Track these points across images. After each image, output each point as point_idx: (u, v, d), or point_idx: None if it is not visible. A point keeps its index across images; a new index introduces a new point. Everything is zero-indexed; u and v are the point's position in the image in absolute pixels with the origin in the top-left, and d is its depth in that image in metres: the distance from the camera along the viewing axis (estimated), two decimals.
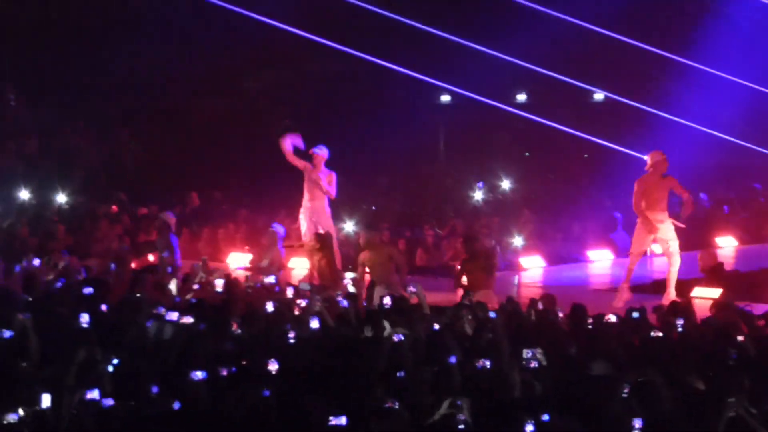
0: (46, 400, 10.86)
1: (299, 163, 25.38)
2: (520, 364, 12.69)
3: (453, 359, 12.86)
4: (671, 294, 21.91)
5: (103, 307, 16.96)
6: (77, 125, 38.75)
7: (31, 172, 32.42)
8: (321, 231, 24.84)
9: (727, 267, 22.89)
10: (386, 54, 36.72)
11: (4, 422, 10.40)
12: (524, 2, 36.89)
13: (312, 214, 25.35)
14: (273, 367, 12.53)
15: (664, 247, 23.17)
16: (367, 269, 22.62)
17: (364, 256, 22.75)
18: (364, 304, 19.63)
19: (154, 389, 12.13)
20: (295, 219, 25.77)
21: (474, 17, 40.42)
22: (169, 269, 23.19)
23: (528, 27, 38.53)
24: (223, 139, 40.10)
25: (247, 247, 28.35)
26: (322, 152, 25.30)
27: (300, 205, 26.11)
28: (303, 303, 17.83)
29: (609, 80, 41.42)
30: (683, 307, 17.42)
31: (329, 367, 12.94)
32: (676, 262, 22.68)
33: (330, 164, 25.50)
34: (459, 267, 23.30)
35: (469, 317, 16.23)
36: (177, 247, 25.60)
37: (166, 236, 25.68)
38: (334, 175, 25.30)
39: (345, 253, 25.87)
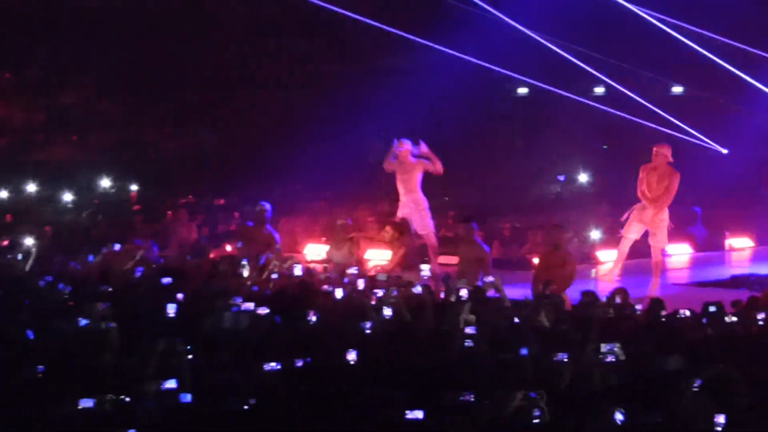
0: (125, 391, 10.59)
1: (392, 166, 25.07)
2: (598, 358, 12.68)
3: (525, 351, 12.74)
4: (656, 285, 22.66)
5: (180, 297, 16.75)
6: (154, 117, 39.05)
7: (110, 164, 32.91)
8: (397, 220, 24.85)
9: None
10: (460, 45, 36.56)
11: (80, 408, 10.25)
12: None
13: (414, 206, 24.92)
14: (351, 356, 12.50)
15: (654, 240, 23.74)
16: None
17: (457, 249, 23.07)
18: (443, 296, 18.87)
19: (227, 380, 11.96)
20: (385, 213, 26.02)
21: (549, 9, 38.45)
22: (245, 260, 22.87)
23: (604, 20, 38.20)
24: (300, 132, 39.97)
25: (324, 239, 27.93)
26: (407, 146, 24.94)
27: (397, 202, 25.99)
28: (380, 293, 17.79)
29: (686, 73, 41.10)
30: (764, 301, 17.32)
31: (405, 360, 12.84)
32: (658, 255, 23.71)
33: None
34: (539, 259, 23.22)
35: (546, 310, 16.30)
36: (277, 236, 25.46)
37: (265, 226, 25.49)
38: (424, 145, 24.88)
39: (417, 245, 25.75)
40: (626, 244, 24.13)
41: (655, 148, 24.37)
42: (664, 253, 25.02)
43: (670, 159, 24.08)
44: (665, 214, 24.18)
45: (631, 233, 24.01)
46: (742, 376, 11.21)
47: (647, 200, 23.93)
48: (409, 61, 41.22)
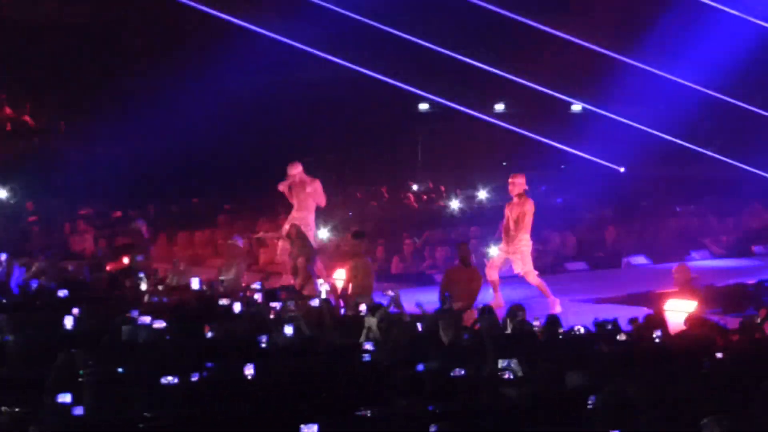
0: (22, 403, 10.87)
1: (285, 187, 25.42)
2: (497, 374, 12.80)
3: (421, 367, 12.80)
4: (553, 302, 22.52)
5: (76, 311, 16.53)
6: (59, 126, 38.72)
7: (12, 173, 32.62)
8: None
9: (702, 281, 23.30)
10: (365, 62, 36.63)
11: None
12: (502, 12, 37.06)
13: (302, 224, 25.02)
14: (249, 371, 12.40)
15: (518, 267, 23.85)
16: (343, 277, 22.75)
17: (349, 263, 22.80)
18: (342, 311, 19.27)
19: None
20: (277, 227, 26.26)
21: (453, 27, 40.05)
22: (141, 273, 22.56)
23: (505, 37, 38.88)
24: (204, 147, 39.01)
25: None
26: (298, 169, 25.37)
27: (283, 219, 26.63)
28: (277, 306, 18.04)
29: (587, 90, 41.34)
30: (658, 319, 17.45)
31: (304, 374, 12.79)
32: (532, 279, 23.77)
33: (309, 171, 25.66)
34: (445, 275, 23.25)
35: (445, 325, 16.41)
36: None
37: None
38: (318, 183, 25.31)
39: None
40: (493, 273, 23.90)
41: (510, 179, 24.65)
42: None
43: (525, 187, 24.33)
44: (524, 242, 24.23)
45: (497, 261, 24.23)
46: (642, 393, 11.26)
47: (507, 237, 24.14)
48: (314, 74, 40.52)
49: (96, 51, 41.22)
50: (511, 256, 24.15)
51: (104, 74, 41.24)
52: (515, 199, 24.43)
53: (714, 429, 10.21)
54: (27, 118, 40.09)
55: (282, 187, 25.73)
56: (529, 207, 24.28)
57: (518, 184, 24.40)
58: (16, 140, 38.62)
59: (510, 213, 24.46)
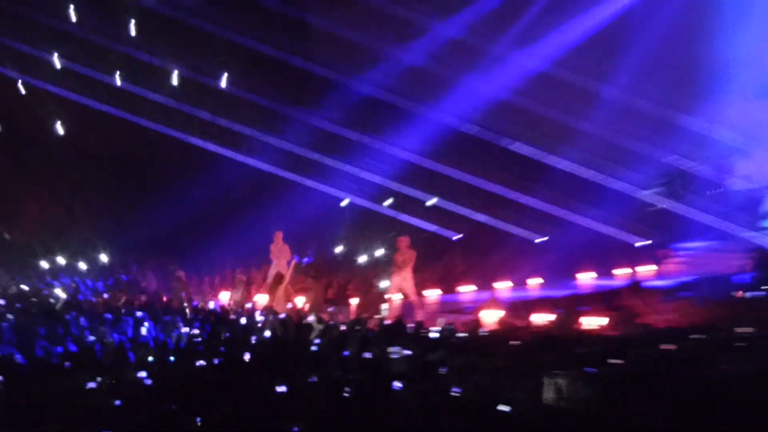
0: None
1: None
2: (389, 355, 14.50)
3: (346, 353, 14.67)
4: (421, 314, 23.08)
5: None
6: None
7: None
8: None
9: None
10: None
11: None
12: None
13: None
14: (246, 357, 14.41)
15: (407, 295, 24.84)
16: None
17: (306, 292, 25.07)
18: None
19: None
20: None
21: None
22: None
23: None
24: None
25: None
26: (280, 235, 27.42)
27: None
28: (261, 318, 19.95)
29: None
30: (479, 322, 19.73)
31: (277, 357, 14.40)
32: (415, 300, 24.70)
33: None
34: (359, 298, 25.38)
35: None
36: None
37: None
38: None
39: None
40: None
41: (397, 240, 25.66)
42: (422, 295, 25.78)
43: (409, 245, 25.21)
44: (408, 279, 24.79)
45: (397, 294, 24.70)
46: (483, 361, 13.07)
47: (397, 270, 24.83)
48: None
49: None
50: (401, 290, 24.79)
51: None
52: (401, 251, 25.02)
53: (550, 385, 11.16)
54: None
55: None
56: (411, 256, 25.01)
57: (403, 242, 25.47)
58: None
59: (397, 262, 24.91)
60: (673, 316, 19.56)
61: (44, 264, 25.42)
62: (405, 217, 33.10)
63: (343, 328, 18.50)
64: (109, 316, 18.81)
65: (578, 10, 31.01)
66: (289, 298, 25.09)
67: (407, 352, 14.58)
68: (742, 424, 8.53)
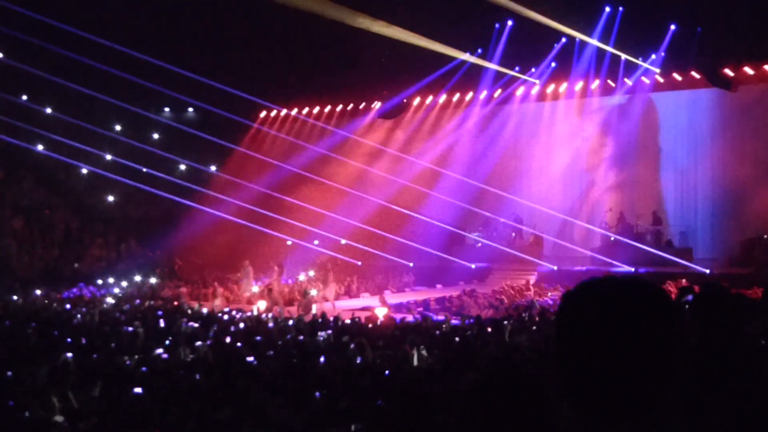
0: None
1: None
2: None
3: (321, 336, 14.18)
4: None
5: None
6: None
7: None
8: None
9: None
10: None
11: None
12: None
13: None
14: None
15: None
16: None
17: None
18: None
19: None
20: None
21: None
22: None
23: None
24: None
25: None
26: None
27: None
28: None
29: None
30: (375, 316, 18.62)
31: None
32: None
33: None
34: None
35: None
36: None
37: None
38: None
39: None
40: None
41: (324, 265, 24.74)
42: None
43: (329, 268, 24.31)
44: (329, 289, 24.01)
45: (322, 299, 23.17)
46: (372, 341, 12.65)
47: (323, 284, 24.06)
48: None
49: None
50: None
51: None
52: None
53: (413, 354, 11.16)
54: None
55: None
56: None
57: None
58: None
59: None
60: (491, 311, 19.96)
61: (99, 282, 25.15)
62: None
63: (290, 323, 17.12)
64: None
65: None
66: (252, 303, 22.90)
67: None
68: None
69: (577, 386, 1.61)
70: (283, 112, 33.13)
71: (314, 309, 20.83)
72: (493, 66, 29.80)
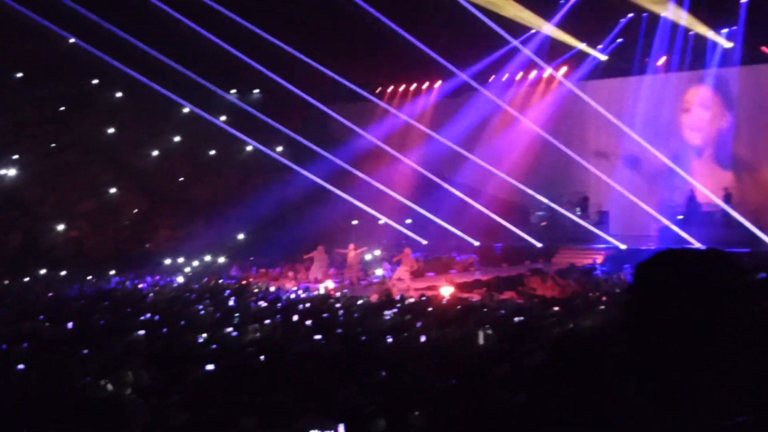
0: None
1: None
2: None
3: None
4: None
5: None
6: None
7: None
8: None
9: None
10: None
11: None
12: None
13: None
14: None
15: None
16: None
17: None
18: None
19: None
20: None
21: None
22: None
23: None
24: None
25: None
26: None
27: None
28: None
29: None
30: (440, 294, 18.76)
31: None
32: None
33: None
34: None
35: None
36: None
37: None
38: None
39: None
40: None
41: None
42: None
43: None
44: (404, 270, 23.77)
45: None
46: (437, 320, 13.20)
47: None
48: None
49: None
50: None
51: None
52: None
53: (478, 333, 11.20)
54: None
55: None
56: None
57: None
58: None
59: None
60: (557, 291, 19.78)
61: (167, 262, 25.48)
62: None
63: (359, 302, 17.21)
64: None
65: None
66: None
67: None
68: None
69: (647, 359, 1.57)
70: (365, 90, 32.43)
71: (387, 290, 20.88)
72: (566, 38, 29.33)
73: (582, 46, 29.71)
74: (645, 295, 1.62)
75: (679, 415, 1.50)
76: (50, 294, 18.00)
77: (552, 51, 29.96)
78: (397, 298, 17.30)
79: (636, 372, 1.59)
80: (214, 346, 11.00)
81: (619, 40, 29.44)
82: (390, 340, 11.55)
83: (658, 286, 1.59)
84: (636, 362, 1.60)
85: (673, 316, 1.53)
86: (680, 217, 26.75)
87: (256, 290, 19.54)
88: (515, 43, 29.28)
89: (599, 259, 25.15)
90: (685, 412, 1.50)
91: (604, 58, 29.82)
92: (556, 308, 14.84)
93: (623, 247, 26.02)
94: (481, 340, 11.31)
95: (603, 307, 14.70)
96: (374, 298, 18.28)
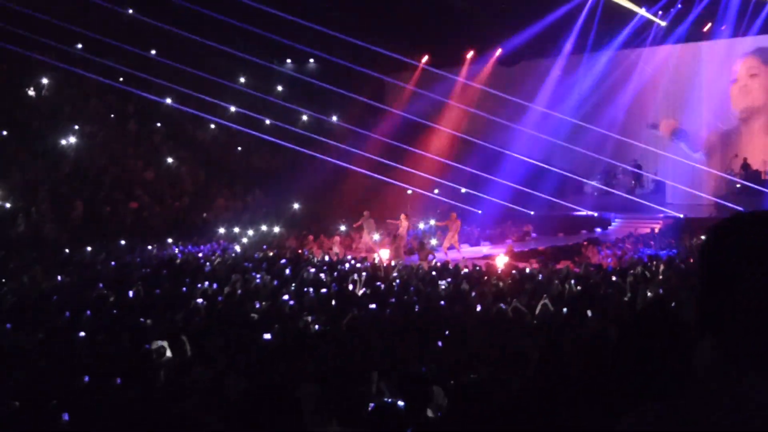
0: None
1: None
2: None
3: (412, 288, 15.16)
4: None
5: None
6: None
7: None
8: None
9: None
10: None
11: None
12: None
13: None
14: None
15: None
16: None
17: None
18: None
19: None
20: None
21: None
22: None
23: None
24: None
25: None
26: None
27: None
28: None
29: None
30: (494, 264, 18.98)
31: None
32: None
33: None
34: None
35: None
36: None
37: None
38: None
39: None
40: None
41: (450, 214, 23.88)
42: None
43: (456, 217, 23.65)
44: (454, 237, 23.58)
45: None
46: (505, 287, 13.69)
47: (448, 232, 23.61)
48: None
49: None
50: None
51: None
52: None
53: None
54: None
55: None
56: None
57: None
58: None
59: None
60: (614, 261, 19.58)
61: (221, 231, 25.59)
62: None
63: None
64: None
65: None
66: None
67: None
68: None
69: (723, 323, 1.52)
70: (406, 62, 32.25)
71: (432, 257, 20.74)
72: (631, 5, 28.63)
73: (642, 11, 29.03)
74: (719, 259, 1.53)
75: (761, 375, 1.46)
76: (113, 263, 18.12)
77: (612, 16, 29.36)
78: (451, 268, 17.23)
79: (712, 335, 1.54)
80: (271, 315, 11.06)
81: (679, 6, 28.68)
82: (447, 308, 11.60)
83: (734, 249, 1.52)
84: (710, 326, 1.54)
85: (751, 279, 1.49)
86: (738, 185, 26.29)
87: (313, 259, 19.57)
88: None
89: (656, 228, 24.83)
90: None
91: (663, 24, 29.16)
92: (614, 278, 14.65)
93: (680, 216, 25.50)
94: (537, 310, 11.29)
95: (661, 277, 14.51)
96: (425, 265, 18.33)
